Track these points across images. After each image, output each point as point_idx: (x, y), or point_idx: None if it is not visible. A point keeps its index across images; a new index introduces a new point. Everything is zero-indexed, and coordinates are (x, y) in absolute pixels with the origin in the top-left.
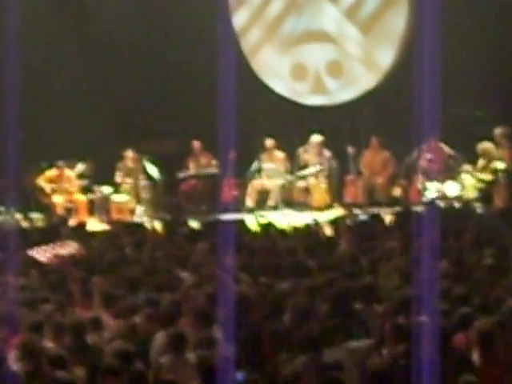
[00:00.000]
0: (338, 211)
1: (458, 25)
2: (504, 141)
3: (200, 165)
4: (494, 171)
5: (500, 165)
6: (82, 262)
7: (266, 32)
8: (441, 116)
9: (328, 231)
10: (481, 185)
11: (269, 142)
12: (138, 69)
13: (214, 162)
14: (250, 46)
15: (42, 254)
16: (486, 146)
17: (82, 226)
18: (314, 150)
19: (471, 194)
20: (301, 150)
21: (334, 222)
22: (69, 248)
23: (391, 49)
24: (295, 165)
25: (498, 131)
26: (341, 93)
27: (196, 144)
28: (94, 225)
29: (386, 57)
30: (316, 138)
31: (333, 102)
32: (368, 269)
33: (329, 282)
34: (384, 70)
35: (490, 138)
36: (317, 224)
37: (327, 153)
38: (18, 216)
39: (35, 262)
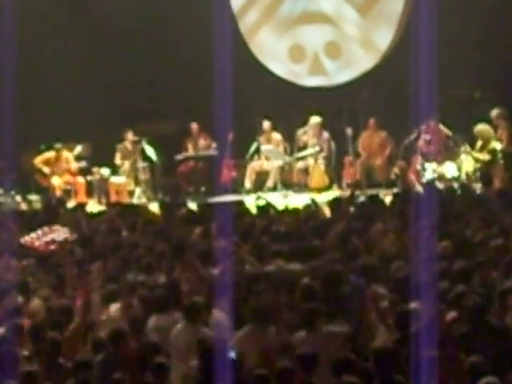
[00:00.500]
0: (336, 192)
1: (456, 6)
2: (501, 121)
3: (198, 146)
4: (492, 152)
5: (498, 145)
6: (78, 245)
7: (263, 13)
8: (439, 97)
9: (327, 212)
10: (479, 165)
11: (266, 124)
12: (136, 51)
13: (212, 143)
14: (248, 28)
15: (35, 240)
16: (482, 127)
17: (81, 206)
18: (312, 132)
19: (470, 174)
20: (300, 132)
21: (333, 203)
22: (61, 233)
23: (389, 30)
24: (294, 146)
25: (494, 112)
26: (339, 74)
27: (194, 126)
28: (93, 206)
29: (384, 38)
30: (315, 120)
31: (331, 84)
32: (365, 249)
33: (327, 262)
34: (382, 51)
35: (489, 119)
36: (315, 205)
37: (326, 134)
38: (17, 198)
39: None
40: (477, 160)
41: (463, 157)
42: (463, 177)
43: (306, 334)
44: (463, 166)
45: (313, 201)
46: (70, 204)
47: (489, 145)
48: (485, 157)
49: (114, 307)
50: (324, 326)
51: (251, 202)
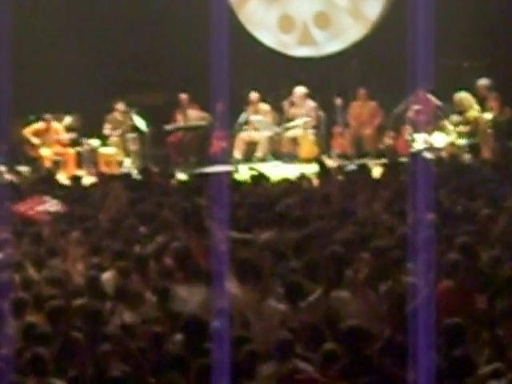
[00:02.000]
0: (326, 162)
1: None
2: (488, 92)
3: (188, 117)
4: (473, 120)
5: (487, 115)
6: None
7: None
8: (429, 67)
9: (316, 182)
10: (463, 136)
11: (253, 95)
12: (125, 21)
13: (201, 113)
14: None
15: (28, 209)
16: (461, 95)
17: (75, 179)
18: (298, 102)
19: (458, 145)
20: (286, 103)
21: (322, 174)
22: (53, 204)
23: (379, 0)
24: (283, 117)
25: (480, 82)
26: (328, 44)
27: (183, 96)
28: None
29: (373, 8)
30: (299, 90)
31: (320, 54)
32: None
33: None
34: (372, 20)
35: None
36: (304, 176)
37: (311, 103)
38: (5, 169)
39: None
40: (458, 133)
41: (451, 127)
42: (452, 147)
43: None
44: (451, 136)
45: (302, 174)
46: (60, 175)
47: (468, 113)
48: (465, 129)
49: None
50: None
51: (243, 172)
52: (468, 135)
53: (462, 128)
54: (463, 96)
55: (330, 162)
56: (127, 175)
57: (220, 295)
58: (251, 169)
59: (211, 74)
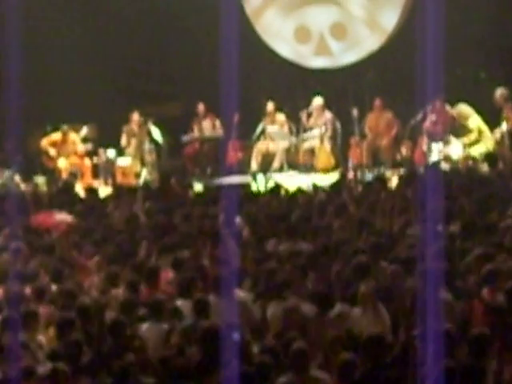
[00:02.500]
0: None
1: None
2: (504, 102)
3: (204, 127)
4: (476, 130)
5: (504, 126)
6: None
7: None
8: (445, 77)
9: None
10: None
11: (270, 105)
12: (142, 32)
13: (218, 124)
14: (254, 9)
15: (45, 220)
16: (460, 107)
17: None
18: (316, 113)
19: (474, 156)
20: (303, 114)
21: (339, 184)
22: (67, 216)
23: (395, 10)
24: (299, 127)
25: (498, 92)
26: (345, 55)
27: (200, 106)
28: (101, 190)
29: (389, 18)
30: (317, 101)
31: (337, 65)
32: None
33: (342, 241)
34: (388, 31)
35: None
36: (319, 187)
37: (329, 114)
38: (20, 179)
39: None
40: (465, 145)
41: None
42: (469, 158)
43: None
44: (468, 147)
45: (314, 185)
46: (78, 186)
47: (467, 124)
48: (470, 139)
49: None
50: None
51: (261, 183)
52: (473, 144)
53: (466, 139)
54: (461, 108)
55: (348, 173)
56: (146, 186)
57: (230, 306)
58: (269, 179)
59: (221, 84)
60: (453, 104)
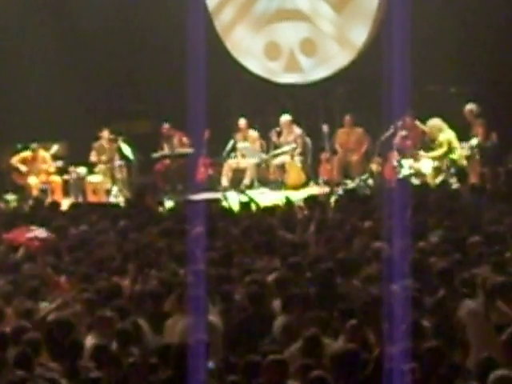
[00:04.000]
0: (313, 189)
1: (431, 1)
2: (473, 118)
3: (174, 145)
4: (444, 144)
5: (474, 141)
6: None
7: (239, 11)
8: (416, 93)
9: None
10: (453, 161)
11: (242, 122)
12: (111, 50)
13: (185, 141)
14: (224, 25)
15: (17, 236)
16: (431, 122)
17: (56, 205)
18: (285, 130)
19: (445, 170)
20: (273, 131)
21: (310, 200)
22: (41, 232)
23: (365, 26)
24: (270, 144)
25: (467, 108)
26: (315, 71)
27: (165, 127)
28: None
29: (359, 35)
30: (285, 118)
31: (307, 80)
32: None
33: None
34: (358, 47)
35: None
36: (290, 202)
37: (298, 130)
38: None
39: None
40: (434, 159)
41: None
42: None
43: None
44: (438, 161)
45: (287, 199)
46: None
47: (439, 137)
48: (439, 153)
49: None
50: None
51: (233, 199)
52: (443, 158)
53: (436, 152)
54: (432, 123)
55: (318, 189)
56: (115, 205)
57: (198, 324)
58: (242, 194)
59: (193, 102)
60: (423, 119)
